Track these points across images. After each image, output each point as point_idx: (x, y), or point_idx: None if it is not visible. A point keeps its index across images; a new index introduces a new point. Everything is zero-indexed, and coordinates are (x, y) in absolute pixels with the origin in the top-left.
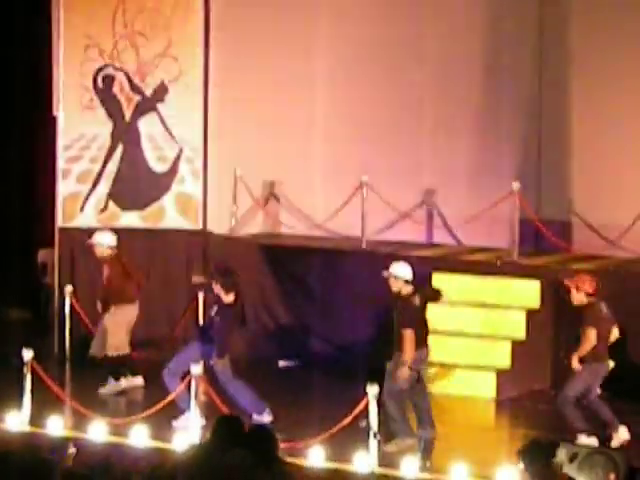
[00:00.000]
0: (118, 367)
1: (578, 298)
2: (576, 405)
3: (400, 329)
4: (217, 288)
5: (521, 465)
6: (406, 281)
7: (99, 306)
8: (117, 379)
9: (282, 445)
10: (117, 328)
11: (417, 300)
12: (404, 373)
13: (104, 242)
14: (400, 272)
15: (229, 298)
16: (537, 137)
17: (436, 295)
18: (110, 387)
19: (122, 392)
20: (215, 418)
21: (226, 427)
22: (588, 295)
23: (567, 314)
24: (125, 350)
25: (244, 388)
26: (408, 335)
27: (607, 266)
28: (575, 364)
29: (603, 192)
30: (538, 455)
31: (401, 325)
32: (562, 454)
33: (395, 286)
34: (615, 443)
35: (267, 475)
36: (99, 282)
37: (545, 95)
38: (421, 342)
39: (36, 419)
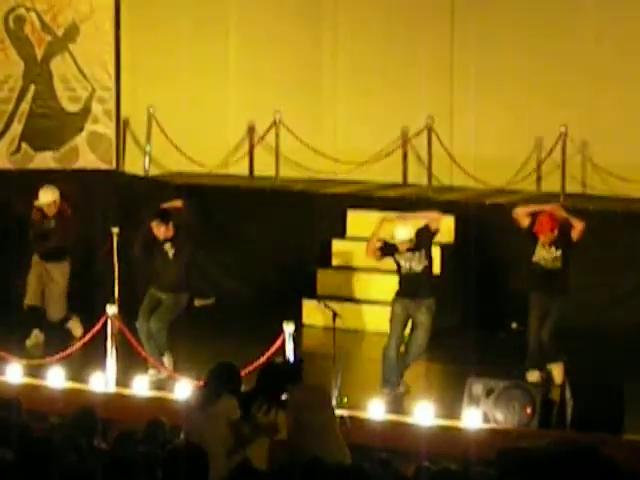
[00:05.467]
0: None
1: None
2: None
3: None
4: (168, 229)
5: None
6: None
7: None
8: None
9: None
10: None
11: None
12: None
13: (52, 199)
14: (403, 235)
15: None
16: (450, 72)
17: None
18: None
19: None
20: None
21: (219, 374)
22: None
23: (480, 249)
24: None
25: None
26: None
27: (517, 200)
28: None
29: (515, 127)
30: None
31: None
32: (478, 389)
33: (404, 246)
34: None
35: (247, 426)
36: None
37: (457, 31)
38: None
39: None
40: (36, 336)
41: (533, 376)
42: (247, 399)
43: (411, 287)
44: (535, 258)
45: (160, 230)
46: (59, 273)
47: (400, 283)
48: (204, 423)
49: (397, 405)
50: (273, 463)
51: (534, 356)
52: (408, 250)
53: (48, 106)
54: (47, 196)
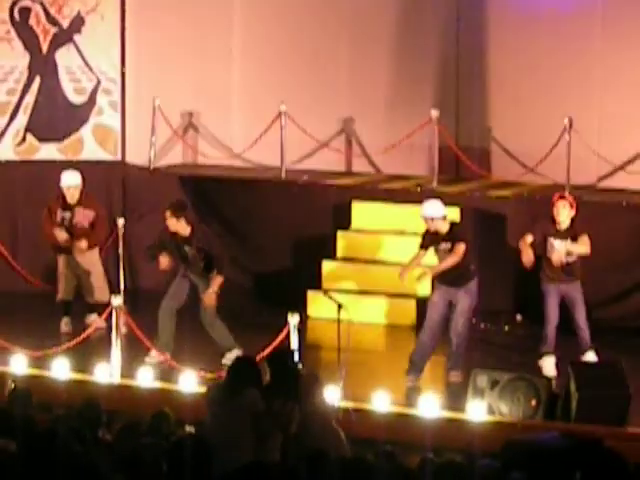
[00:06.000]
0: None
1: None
2: None
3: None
4: (181, 223)
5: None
6: (443, 217)
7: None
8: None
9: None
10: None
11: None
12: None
13: (75, 183)
14: (435, 212)
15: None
16: (455, 64)
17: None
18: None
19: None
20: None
21: (240, 368)
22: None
23: (486, 241)
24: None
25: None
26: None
27: (522, 192)
28: None
29: (521, 119)
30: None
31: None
32: (483, 381)
33: (433, 226)
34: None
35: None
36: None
37: (463, 22)
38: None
39: None
40: (66, 324)
41: (549, 363)
42: (268, 391)
43: (451, 274)
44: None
45: (172, 222)
46: (89, 262)
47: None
48: (228, 417)
49: (413, 398)
50: (285, 457)
51: (552, 343)
52: (443, 240)
53: (53, 98)
54: (72, 178)
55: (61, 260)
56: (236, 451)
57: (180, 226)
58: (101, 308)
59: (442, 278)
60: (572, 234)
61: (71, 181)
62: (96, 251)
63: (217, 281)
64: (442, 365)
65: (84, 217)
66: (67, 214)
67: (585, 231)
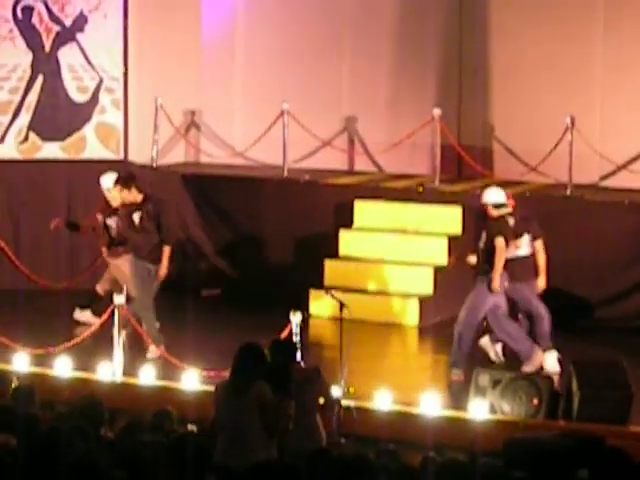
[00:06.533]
0: None
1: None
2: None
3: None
4: (133, 193)
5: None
6: (499, 205)
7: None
8: None
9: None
10: None
11: (511, 221)
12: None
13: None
14: (493, 199)
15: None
16: (458, 63)
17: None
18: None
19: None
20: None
21: (246, 358)
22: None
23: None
24: None
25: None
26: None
27: (525, 191)
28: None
29: (523, 119)
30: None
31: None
32: (485, 380)
33: (494, 212)
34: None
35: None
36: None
37: (465, 22)
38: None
39: None
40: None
41: (551, 358)
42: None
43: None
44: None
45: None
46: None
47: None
48: (240, 410)
49: (459, 397)
50: (281, 454)
51: (549, 338)
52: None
53: (56, 96)
54: (109, 180)
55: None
56: (249, 446)
57: (132, 195)
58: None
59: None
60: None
61: (109, 183)
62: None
63: (166, 253)
64: (444, 362)
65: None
66: (113, 218)
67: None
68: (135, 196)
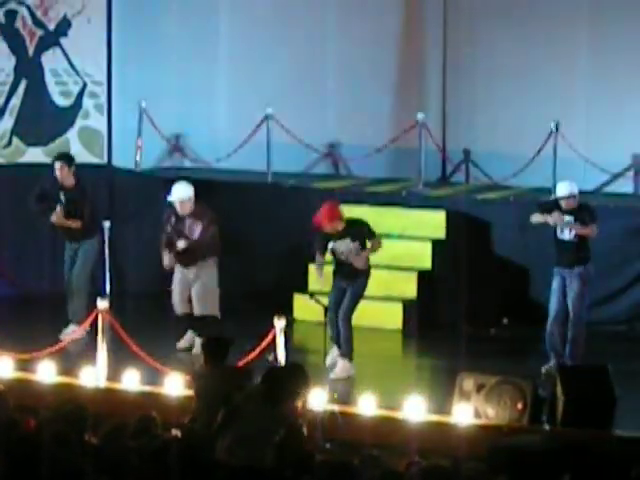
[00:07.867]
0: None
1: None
2: None
3: None
4: (70, 175)
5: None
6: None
7: (171, 260)
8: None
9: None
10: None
11: None
12: None
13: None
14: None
15: None
16: (442, 68)
17: None
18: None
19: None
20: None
21: (212, 348)
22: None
23: (472, 244)
24: None
25: None
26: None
27: (509, 196)
28: None
29: (507, 123)
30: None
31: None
32: (469, 384)
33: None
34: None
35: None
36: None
37: (449, 27)
38: None
39: None
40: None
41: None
42: None
43: (565, 256)
44: None
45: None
46: (203, 273)
47: (557, 252)
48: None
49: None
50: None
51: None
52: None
53: (39, 100)
54: (180, 192)
55: (176, 272)
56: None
57: (70, 178)
58: (202, 322)
59: (559, 258)
60: None
61: (178, 194)
62: (211, 264)
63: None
64: (428, 367)
65: (191, 230)
66: (179, 226)
67: None
68: (71, 179)
